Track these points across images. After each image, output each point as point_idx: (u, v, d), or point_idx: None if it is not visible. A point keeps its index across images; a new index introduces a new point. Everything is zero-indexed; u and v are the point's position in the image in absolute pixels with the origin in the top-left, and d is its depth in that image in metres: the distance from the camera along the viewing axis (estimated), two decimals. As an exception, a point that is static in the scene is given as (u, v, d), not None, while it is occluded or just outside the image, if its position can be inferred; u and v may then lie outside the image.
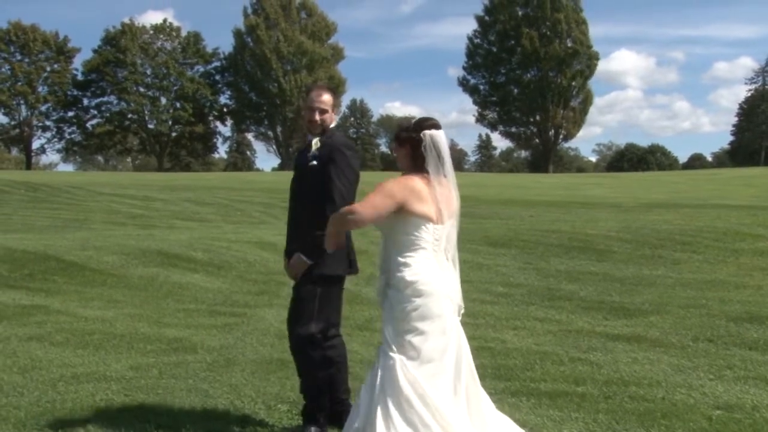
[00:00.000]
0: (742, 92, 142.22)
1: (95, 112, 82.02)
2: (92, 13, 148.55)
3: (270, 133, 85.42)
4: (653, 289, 9.41)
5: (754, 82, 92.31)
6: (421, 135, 3.81)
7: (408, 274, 3.72)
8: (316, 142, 4.34)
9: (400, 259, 3.74)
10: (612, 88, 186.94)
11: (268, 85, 78.81)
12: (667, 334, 6.97)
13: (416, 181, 3.78)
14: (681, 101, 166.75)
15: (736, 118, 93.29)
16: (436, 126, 3.86)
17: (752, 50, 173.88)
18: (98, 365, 6.00)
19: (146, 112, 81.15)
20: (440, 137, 3.83)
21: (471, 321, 7.44)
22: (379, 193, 3.72)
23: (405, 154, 3.87)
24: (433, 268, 3.77)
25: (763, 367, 5.83)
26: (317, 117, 4.34)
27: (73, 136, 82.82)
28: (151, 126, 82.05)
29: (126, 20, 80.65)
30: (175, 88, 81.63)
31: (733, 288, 9.42)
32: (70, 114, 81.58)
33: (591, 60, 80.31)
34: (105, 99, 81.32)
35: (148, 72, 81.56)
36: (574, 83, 79.48)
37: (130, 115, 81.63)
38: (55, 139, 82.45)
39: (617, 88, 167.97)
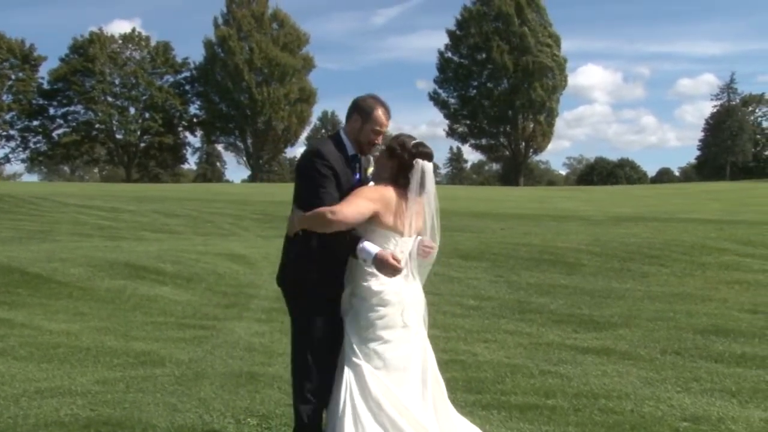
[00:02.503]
0: (706, 108, 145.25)
1: (61, 121, 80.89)
2: (58, 22, 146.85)
3: (240, 144, 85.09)
4: (622, 302, 9.53)
5: (720, 99, 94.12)
6: (414, 162, 3.84)
7: (375, 284, 3.77)
8: (371, 162, 4.15)
9: (367, 269, 3.77)
10: (580, 102, 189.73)
11: (239, 96, 78.56)
12: (636, 347, 7.06)
13: (391, 192, 3.82)
14: (647, 116, 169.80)
15: (702, 134, 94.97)
16: (430, 157, 3.89)
17: (715, 67, 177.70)
18: (63, 379, 5.91)
19: (114, 122, 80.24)
20: (430, 170, 3.88)
21: (442, 334, 7.47)
22: (359, 197, 3.71)
23: (390, 168, 3.88)
24: (398, 278, 3.81)
25: (728, 379, 5.93)
26: (380, 140, 4.07)
27: (38, 145, 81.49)
28: (119, 136, 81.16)
29: (95, 29, 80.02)
30: (144, 98, 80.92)
31: (700, 301, 9.57)
32: (36, 123, 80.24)
33: (560, 73, 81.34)
34: (72, 108, 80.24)
35: (117, 81, 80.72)
36: (543, 96, 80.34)
37: (97, 125, 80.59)
38: (20, 149, 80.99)
39: (585, 102, 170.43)
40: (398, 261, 3.66)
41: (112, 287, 9.96)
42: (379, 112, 3.94)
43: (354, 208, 3.64)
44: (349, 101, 4.01)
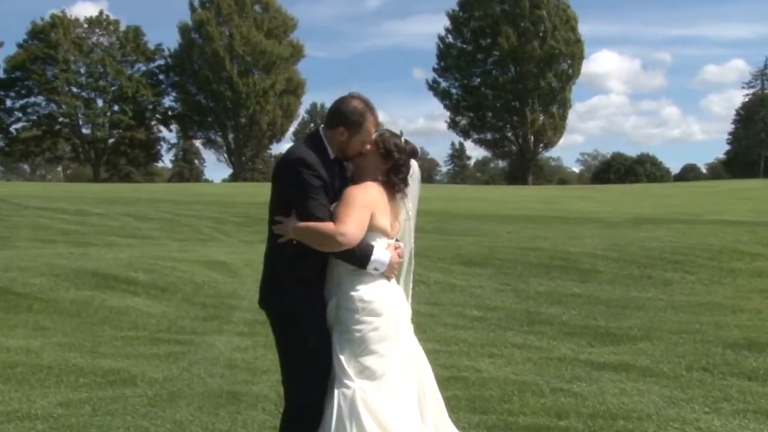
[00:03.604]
0: (736, 98, 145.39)
1: (20, 114, 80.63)
2: (15, 4, 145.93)
3: (221, 139, 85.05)
4: (642, 313, 9.54)
5: (752, 86, 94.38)
6: (410, 164, 3.95)
7: (365, 294, 3.75)
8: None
9: (355, 277, 3.77)
10: (593, 93, 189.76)
11: (219, 87, 78.49)
12: (658, 363, 7.07)
13: (381, 191, 3.86)
14: (670, 107, 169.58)
15: (732, 126, 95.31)
16: (417, 154, 4.05)
17: (745, 52, 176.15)
18: (21, 402, 5.89)
19: (80, 115, 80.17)
20: (417, 169, 4.02)
21: (443, 348, 7.48)
22: (355, 207, 3.71)
23: (381, 168, 3.90)
24: (389, 285, 3.84)
25: (762, 399, 5.93)
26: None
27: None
28: (85, 131, 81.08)
29: (57, 12, 79.83)
30: (112, 88, 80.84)
31: (730, 312, 9.59)
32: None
33: (575, 60, 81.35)
34: (32, 100, 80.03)
35: (82, 70, 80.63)
36: (554, 85, 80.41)
37: (61, 119, 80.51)
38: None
39: (599, 92, 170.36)
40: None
41: (78, 299, 9.94)
42: (370, 123, 3.88)
43: (359, 226, 3.69)
44: (339, 93, 4.01)
